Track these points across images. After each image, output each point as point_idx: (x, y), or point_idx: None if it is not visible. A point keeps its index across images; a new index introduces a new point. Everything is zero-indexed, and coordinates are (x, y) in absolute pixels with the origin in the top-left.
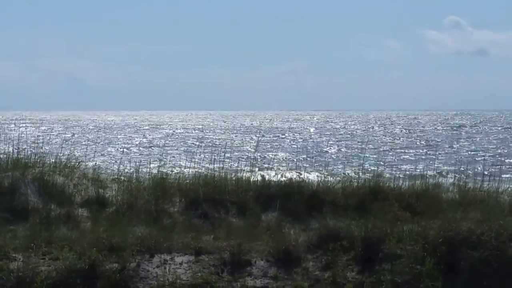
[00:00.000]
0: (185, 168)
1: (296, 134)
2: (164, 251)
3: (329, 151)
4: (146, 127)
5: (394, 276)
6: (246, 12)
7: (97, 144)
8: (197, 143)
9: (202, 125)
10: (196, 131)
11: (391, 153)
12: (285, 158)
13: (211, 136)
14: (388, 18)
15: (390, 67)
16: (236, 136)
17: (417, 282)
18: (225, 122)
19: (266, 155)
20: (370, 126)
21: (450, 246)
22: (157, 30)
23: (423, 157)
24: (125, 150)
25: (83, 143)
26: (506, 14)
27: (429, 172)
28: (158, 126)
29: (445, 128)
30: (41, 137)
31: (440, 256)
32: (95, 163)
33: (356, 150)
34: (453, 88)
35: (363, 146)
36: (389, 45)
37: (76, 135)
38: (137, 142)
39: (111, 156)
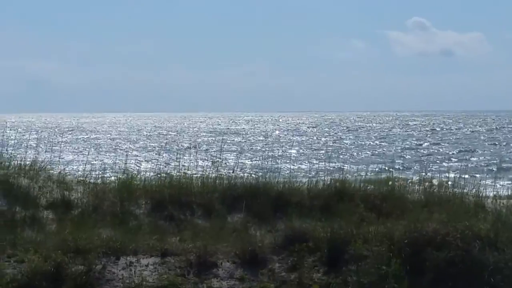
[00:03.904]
0: (149, 170)
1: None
2: (130, 253)
3: (291, 152)
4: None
5: (360, 277)
6: (210, 13)
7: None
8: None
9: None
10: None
11: (358, 152)
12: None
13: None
14: (353, 19)
15: (357, 68)
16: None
17: (382, 283)
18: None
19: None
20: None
21: (416, 247)
22: (120, 30)
23: (391, 158)
24: (89, 152)
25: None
26: (470, 15)
27: (395, 174)
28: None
29: (415, 129)
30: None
31: (405, 257)
32: (59, 165)
33: (319, 151)
34: (419, 89)
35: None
36: (355, 46)
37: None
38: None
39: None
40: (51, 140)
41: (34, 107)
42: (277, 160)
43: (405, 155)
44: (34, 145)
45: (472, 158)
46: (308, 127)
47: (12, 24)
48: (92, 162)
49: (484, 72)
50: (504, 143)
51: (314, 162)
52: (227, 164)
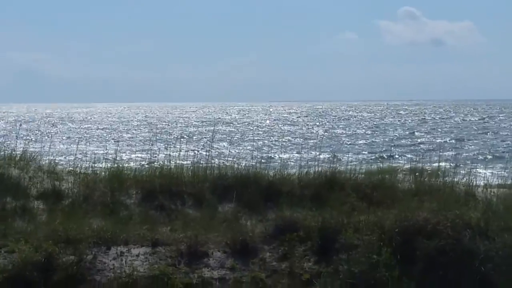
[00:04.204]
0: (140, 160)
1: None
2: (120, 243)
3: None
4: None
5: (351, 266)
6: (203, 8)
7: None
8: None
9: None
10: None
11: (349, 142)
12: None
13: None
14: (345, 10)
15: (349, 59)
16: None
17: (373, 272)
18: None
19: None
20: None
21: (406, 236)
22: (115, 27)
23: (381, 147)
24: (79, 142)
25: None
26: (460, 5)
27: (386, 163)
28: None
29: (405, 118)
30: None
31: (396, 246)
32: (49, 155)
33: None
34: (410, 78)
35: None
36: (347, 37)
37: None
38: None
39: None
40: (42, 130)
41: (26, 98)
42: (268, 150)
43: (396, 144)
44: (25, 135)
45: (463, 147)
46: (298, 117)
47: (15, 21)
48: (83, 152)
49: (475, 62)
50: (495, 132)
51: (305, 151)
52: (219, 153)
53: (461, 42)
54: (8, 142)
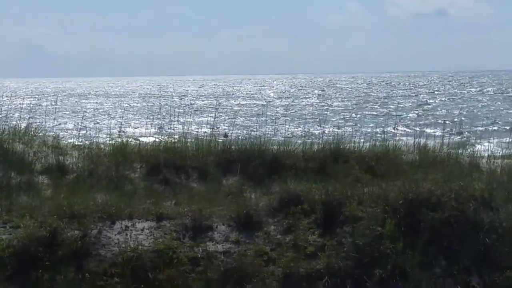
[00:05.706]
0: (144, 134)
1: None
2: (125, 217)
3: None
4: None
5: (355, 238)
6: None
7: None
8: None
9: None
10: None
11: (350, 114)
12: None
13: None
14: None
15: (352, 30)
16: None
17: (377, 244)
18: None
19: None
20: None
21: (410, 208)
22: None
23: (383, 118)
24: (83, 117)
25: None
26: None
27: (390, 134)
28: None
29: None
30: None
31: (400, 218)
32: (54, 129)
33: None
34: (414, 50)
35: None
36: (350, 7)
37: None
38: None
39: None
40: (45, 105)
41: (31, 72)
42: (272, 123)
43: (401, 116)
44: (28, 109)
45: (467, 118)
46: (299, 90)
47: None
48: (87, 127)
49: (479, 32)
50: (500, 103)
51: (309, 125)
52: (221, 127)
53: (466, 12)
54: (12, 116)
